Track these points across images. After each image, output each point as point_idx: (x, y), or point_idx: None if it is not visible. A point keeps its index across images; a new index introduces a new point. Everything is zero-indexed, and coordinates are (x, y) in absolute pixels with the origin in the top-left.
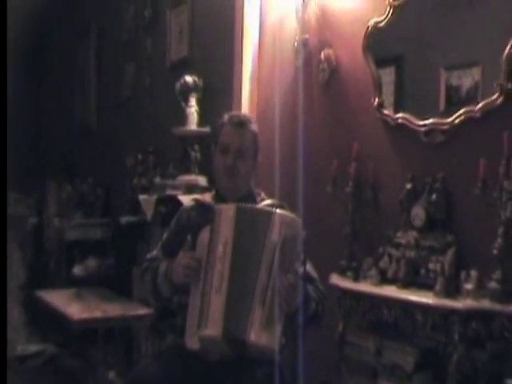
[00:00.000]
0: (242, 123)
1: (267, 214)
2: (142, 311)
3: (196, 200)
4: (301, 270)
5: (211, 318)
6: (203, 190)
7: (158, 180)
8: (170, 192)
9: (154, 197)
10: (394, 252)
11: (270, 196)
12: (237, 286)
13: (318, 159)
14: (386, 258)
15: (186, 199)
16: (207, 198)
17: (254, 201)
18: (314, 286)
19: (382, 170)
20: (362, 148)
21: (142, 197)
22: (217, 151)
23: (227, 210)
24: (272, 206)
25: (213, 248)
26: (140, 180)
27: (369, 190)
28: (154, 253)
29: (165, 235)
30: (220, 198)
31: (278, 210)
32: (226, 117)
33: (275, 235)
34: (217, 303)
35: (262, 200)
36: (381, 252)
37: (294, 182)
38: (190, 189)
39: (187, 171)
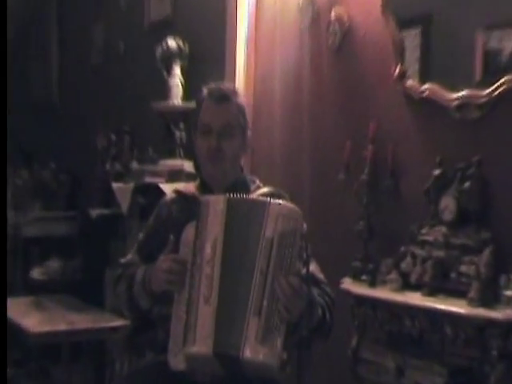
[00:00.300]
0: (224, 97)
1: (261, 205)
2: (116, 323)
3: (177, 192)
4: (303, 270)
5: (199, 331)
6: (190, 177)
7: (135, 165)
8: (149, 179)
9: (131, 185)
10: (418, 251)
11: (269, 184)
12: (229, 294)
13: (328, 141)
14: (408, 259)
15: (170, 188)
16: (191, 188)
17: (248, 189)
18: (319, 290)
19: (405, 153)
20: (381, 127)
21: (115, 185)
22: (197, 133)
23: (216, 203)
24: (269, 195)
25: (199, 248)
26: (113, 165)
27: (388, 178)
28: (129, 256)
29: (141, 235)
30: (206, 188)
31: (273, 200)
32: (204, 91)
33: (270, 230)
34: (206, 314)
35: (258, 188)
36: (402, 252)
37: (299, 169)
38: (175, 176)
39: (171, 154)
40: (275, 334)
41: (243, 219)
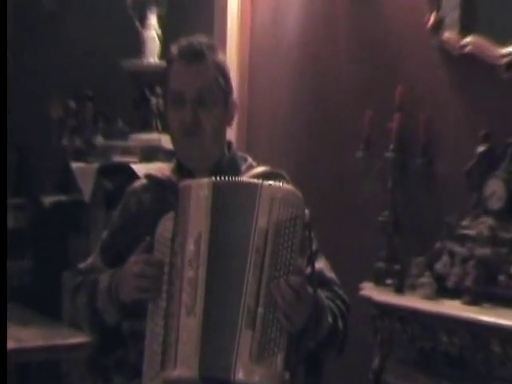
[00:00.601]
0: (197, 55)
1: (252, 189)
2: (76, 339)
3: (149, 176)
4: (308, 268)
5: (181, 350)
6: (170, 155)
7: (99, 140)
8: (118, 158)
9: (95, 165)
10: (457, 249)
11: (267, 164)
12: (217, 302)
13: (343, 109)
14: (445, 259)
15: (144, 169)
16: (165, 171)
17: (237, 170)
18: (329, 292)
19: (441, 124)
20: (410, 91)
21: (75, 165)
22: (168, 103)
23: (198, 188)
24: (265, 176)
25: (180, 246)
26: (72, 140)
27: (419, 156)
28: (90, 261)
29: (105, 233)
30: (184, 170)
31: (265, 182)
32: (173, 49)
33: (264, 219)
34: (189, 329)
35: (250, 168)
36: (437, 249)
37: (307, 145)
38: (150, 154)
39: (145, 127)
40: (274, 349)
41: (233, 208)
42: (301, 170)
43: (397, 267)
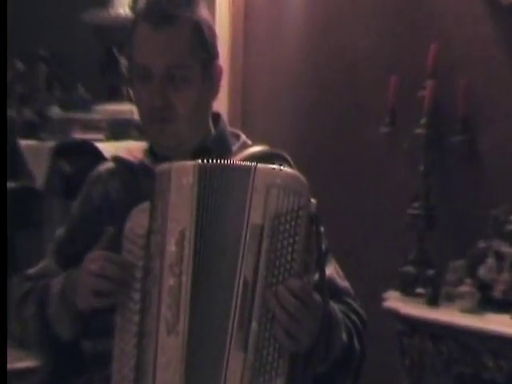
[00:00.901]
0: (167, 16)
1: (244, 174)
2: (25, 363)
3: (117, 159)
4: (315, 274)
5: (161, 378)
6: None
7: (55, 111)
8: (79, 135)
9: (50, 144)
10: (506, 249)
11: (268, 143)
12: (205, 318)
13: (363, 75)
14: (490, 262)
15: (112, 149)
16: (137, 153)
17: (227, 150)
18: (343, 304)
19: (484, 92)
20: (447, 51)
21: (25, 143)
22: (133, 77)
23: (181, 174)
24: (260, 157)
25: (157, 247)
26: (21, 111)
27: (458, 132)
28: (42, 264)
29: (61, 229)
30: (158, 155)
31: (261, 165)
32: (139, 8)
33: (258, 212)
34: (170, 350)
35: (243, 147)
36: (481, 249)
37: (318, 119)
38: (120, 129)
39: (113, 95)
40: (271, 375)
41: (224, 198)
42: (309, 150)
43: (430, 272)
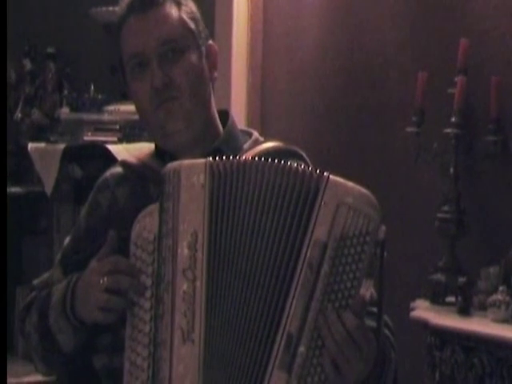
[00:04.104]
0: (151, 3)
1: (308, 179)
2: (33, 377)
3: (124, 164)
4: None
5: None
6: None
7: (66, 112)
8: (90, 137)
9: (59, 146)
10: None
11: (286, 141)
12: (222, 324)
13: (389, 71)
14: None
15: (125, 151)
16: (144, 156)
17: (238, 147)
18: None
19: None
20: (478, 46)
21: (33, 146)
22: (127, 74)
23: (192, 173)
24: (273, 153)
25: (167, 250)
26: (29, 113)
27: (490, 132)
28: (48, 274)
29: (69, 237)
30: (166, 155)
31: (333, 177)
32: (122, 7)
33: (324, 228)
34: (186, 361)
35: (256, 143)
36: None
37: (340, 119)
38: (133, 130)
39: (125, 95)
40: None
41: (242, 197)
42: (331, 151)
43: (461, 280)
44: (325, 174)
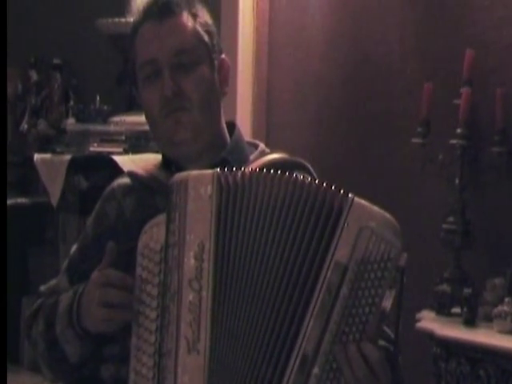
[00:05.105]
0: (167, 9)
1: (330, 199)
2: None
3: (131, 174)
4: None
5: None
6: None
7: (71, 123)
8: (96, 148)
9: (65, 157)
10: None
11: (294, 154)
12: (227, 335)
13: (395, 82)
14: None
15: (131, 162)
16: (151, 168)
17: (245, 159)
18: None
19: None
20: (485, 58)
21: (39, 157)
22: (139, 81)
23: (199, 183)
24: (278, 165)
25: (174, 260)
26: (34, 123)
27: (496, 143)
28: (54, 282)
29: (75, 247)
30: (173, 165)
31: (357, 199)
32: (139, 8)
33: (345, 250)
34: (191, 371)
35: (262, 154)
36: None
37: (346, 130)
38: (139, 141)
39: (131, 106)
40: None
41: (250, 209)
42: (336, 162)
43: (466, 291)
44: (349, 195)
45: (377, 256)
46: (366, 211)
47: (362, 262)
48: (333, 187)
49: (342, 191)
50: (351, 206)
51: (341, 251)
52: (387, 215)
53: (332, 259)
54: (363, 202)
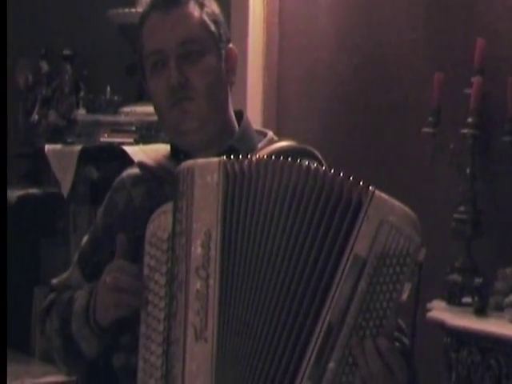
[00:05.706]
0: (174, 1)
1: (351, 190)
2: (50, 378)
3: (141, 165)
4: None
5: None
6: None
7: (82, 114)
8: (107, 138)
9: (76, 148)
10: None
11: (304, 142)
12: (234, 322)
13: (405, 71)
14: None
15: (141, 153)
16: (160, 158)
17: (253, 147)
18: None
19: None
20: (496, 46)
21: (50, 148)
22: (147, 71)
23: (206, 172)
24: (286, 152)
25: (181, 249)
26: (45, 114)
27: (507, 132)
28: (67, 274)
29: (86, 237)
30: (181, 154)
31: (378, 192)
32: (147, 4)
33: (364, 244)
34: (198, 359)
35: (271, 142)
36: None
37: (356, 120)
38: (150, 131)
39: (141, 97)
40: None
41: (258, 196)
42: (347, 151)
43: (477, 281)
44: (370, 187)
45: (396, 250)
46: (386, 205)
47: (382, 256)
48: (350, 178)
49: (361, 183)
50: (371, 198)
51: (360, 244)
52: (407, 209)
53: (351, 252)
54: (383, 195)
